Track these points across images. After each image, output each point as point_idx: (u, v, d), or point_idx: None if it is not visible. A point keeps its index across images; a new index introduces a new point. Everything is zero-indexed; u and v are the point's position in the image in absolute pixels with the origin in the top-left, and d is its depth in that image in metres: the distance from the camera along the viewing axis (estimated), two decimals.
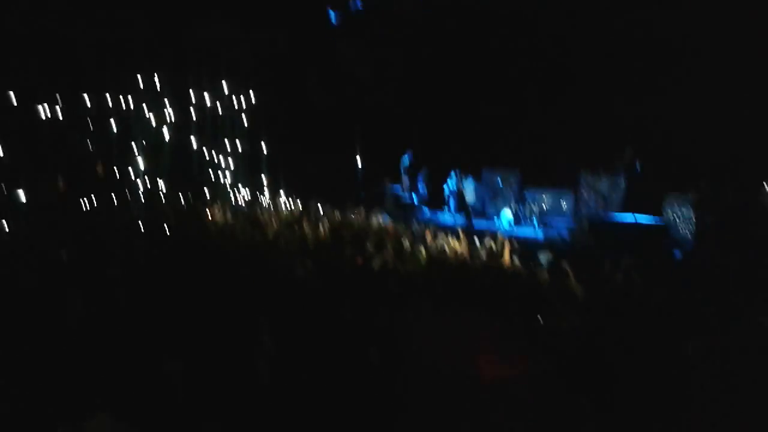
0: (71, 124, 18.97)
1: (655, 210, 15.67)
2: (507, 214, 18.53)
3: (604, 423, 4.59)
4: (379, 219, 14.17)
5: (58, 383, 4.87)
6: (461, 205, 19.15)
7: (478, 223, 17.78)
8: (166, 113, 18.49)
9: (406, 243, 9.41)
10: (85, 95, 18.39)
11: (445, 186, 20.06)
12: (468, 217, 18.05)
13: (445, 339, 4.02)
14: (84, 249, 7.80)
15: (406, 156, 20.25)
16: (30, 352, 5.07)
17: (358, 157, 20.95)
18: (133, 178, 16.91)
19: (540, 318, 5.55)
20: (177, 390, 4.80)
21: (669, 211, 15.68)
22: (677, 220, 15.45)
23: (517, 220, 18.21)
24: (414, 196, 20.22)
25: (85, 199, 14.04)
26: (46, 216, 11.40)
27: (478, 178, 19.79)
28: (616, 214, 16.48)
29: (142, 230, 9.94)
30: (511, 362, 4.49)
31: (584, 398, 4.58)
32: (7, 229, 9.68)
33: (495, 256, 8.99)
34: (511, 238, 10.27)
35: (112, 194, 14.73)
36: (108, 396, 4.76)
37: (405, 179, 20.21)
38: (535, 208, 17.74)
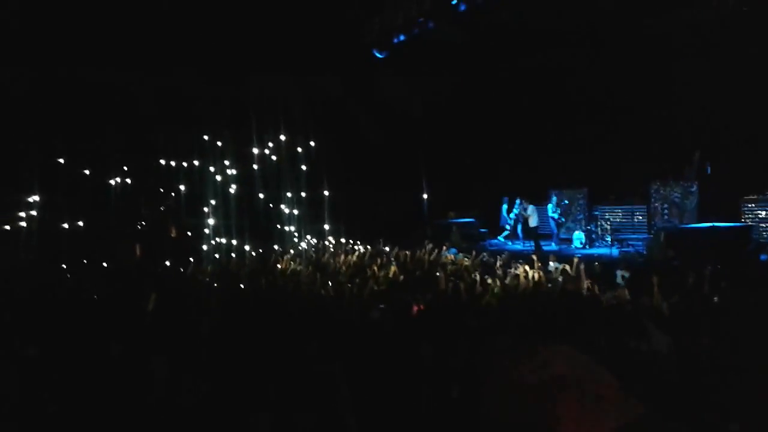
0: (141, 190, 19.82)
1: (733, 214, 15.04)
2: (579, 233, 18.13)
3: None
4: (447, 253, 14.05)
5: None
6: (529, 230, 18.81)
7: (548, 246, 17.43)
8: (229, 169, 19.03)
9: (477, 276, 9.28)
10: (153, 159, 19.23)
11: (511, 213, 19.80)
12: (536, 241, 17.71)
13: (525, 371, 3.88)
14: (163, 312, 7.98)
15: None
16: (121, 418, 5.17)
17: (422, 193, 20.99)
18: (203, 235, 17.37)
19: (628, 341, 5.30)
20: None
21: (747, 213, 15.03)
22: (756, 221, 14.80)
23: (590, 239, 17.79)
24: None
25: (160, 261, 14.49)
26: (125, 281, 11.78)
27: (544, 201, 19.46)
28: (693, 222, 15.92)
29: (216, 287, 10.14)
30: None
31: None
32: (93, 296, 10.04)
33: (571, 279, 8.75)
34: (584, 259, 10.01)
35: (186, 253, 15.14)
36: None
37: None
38: (607, 225, 17.28)
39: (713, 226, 14.24)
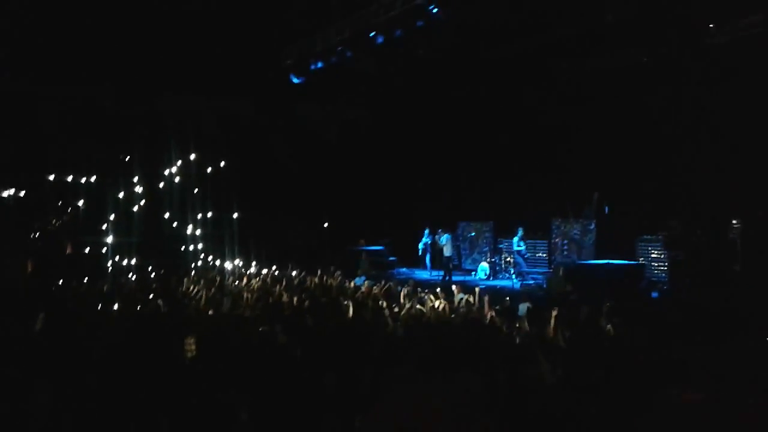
0: (38, 203, 18.80)
1: (628, 252, 15.82)
2: (484, 265, 18.57)
3: None
4: (357, 281, 14.04)
5: None
6: (438, 259, 19.12)
7: (456, 277, 17.74)
8: (135, 186, 18.40)
9: (384, 303, 9.31)
10: (50, 173, 18.33)
11: (421, 242, 20.06)
12: (447, 271, 18.00)
13: (425, 401, 3.90)
14: (55, 328, 7.54)
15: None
16: None
17: (332, 220, 20.94)
18: (103, 253, 16.64)
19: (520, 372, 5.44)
20: None
21: (641, 252, 15.83)
22: (649, 260, 15.59)
23: (494, 271, 18.25)
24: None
25: (53, 278, 13.72)
26: (14, 297, 11.07)
27: (453, 231, 19.86)
28: (590, 258, 16.63)
29: (115, 307, 9.69)
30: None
31: None
32: None
33: (474, 310, 8.92)
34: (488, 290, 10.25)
35: (82, 272, 14.43)
36: None
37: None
38: (510, 258, 17.77)
39: (608, 263, 14.92)
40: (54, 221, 19.37)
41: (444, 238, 18.52)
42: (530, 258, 18.28)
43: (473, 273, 19.15)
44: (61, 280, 13.35)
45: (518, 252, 17.57)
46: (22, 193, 17.52)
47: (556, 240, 18.42)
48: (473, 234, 20.50)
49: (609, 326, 7.44)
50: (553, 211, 18.38)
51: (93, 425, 5.09)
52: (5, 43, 15.99)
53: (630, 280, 14.35)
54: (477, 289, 9.79)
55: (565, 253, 18.04)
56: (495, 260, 18.44)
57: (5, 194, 16.77)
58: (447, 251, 18.54)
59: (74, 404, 5.25)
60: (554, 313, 7.28)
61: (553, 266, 17.19)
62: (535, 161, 17.99)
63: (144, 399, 5.39)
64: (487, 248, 19.50)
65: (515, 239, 17.55)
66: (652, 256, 15.61)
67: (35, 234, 18.94)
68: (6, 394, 5.31)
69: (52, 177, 18.38)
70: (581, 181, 17.13)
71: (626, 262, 15.26)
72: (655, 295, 13.94)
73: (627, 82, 15.35)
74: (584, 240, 17.70)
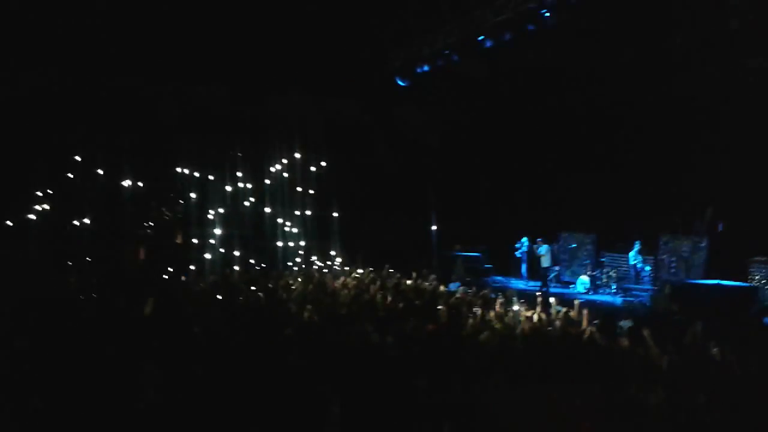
0: (152, 195, 19.94)
1: (739, 273, 14.92)
2: (584, 278, 18.04)
3: None
4: (451, 286, 13.99)
5: None
6: (535, 269, 18.78)
7: (554, 289, 17.34)
8: (241, 183, 19.12)
9: (479, 311, 9.21)
10: (167, 165, 19.38)
11: (519, 251, 19.75)
12: (544, 282, 17.63)
13: (521, 413, 3.84)
14: (160, 317, 7.96)
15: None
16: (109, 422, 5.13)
17: (431, 224, 20.96)
18: (209, 246, 17.40)
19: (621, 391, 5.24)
20: None
21: (754, 274, 14.89)
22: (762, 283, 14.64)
23: (594, 285, 17.69)
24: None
25: (163, 266, 14.51)
26: (125, 283, 11.78)
27: (554, 242, 19.43)
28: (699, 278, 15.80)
29: (217, 298, 10.11)
30: None
31: None
32: (93, 295, 10.05)
33: (572, 323, 8.66)
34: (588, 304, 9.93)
35: (189, 262, 15.16)
36: None
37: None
38: (613, 273, 17.16)
39: (719, 284, 14.13)
40: (167, 212, 20.46)
41: (543, 249, 18.14)
42: (646, 275, 17.58)
43: (572, 286, 18.64)
44: (170, 269, 14.08)
45: (634, 266, 17.07)
46: (140, 184, 18.60)
47: (663, 256, 17.58)
48: (574, 245, 19.89)
49: (716, 350, 7.03)
50: (661, 225, 17.56)
51: (195, 410, 5.33)
52: (130, 43, 17.11)
53: (741, 303, 13.51)
54: (576, 302, 9.49)
55: (673, 270, 17.19)
56: (596, 274, 17.85)
57: (125, 184, 17.86)
58: (545, 262, 18.15)
59: (180, 388, 5.52)
60: (648, 332, 6.97)
61: (659, 284, 16.44)
62: (644, 172, 17.24)
63: (242, 387, 5.59)
64: (588, 261, 18.90)
65: (632, 253, 16.99)
66: (766, 279, 14.65)
67: (149, 223, 20.09)
68: (117, 374, 5.67)
69: (167, 170, 19.39)
70: (694, 195, 16.31)
71: (738, 284, 14.38)
72: (767, 321, 13.08)
73: (751, 89, 14.46)
74: (694, 258, 16.80)
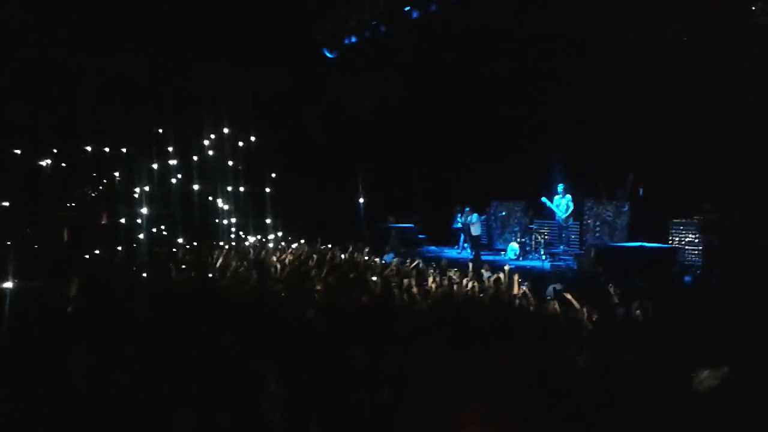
0: (73, 173, 19.16)
1: (661, 235, 15.56)
2: (514, 245, 18.46)
3: None
4: (385, 258, 14.08)
5: None
6: (468, 239, 19.12)
7: (485, 257, 17.68)
8: (169, 159, 18.61)
9: (412, 281, 9.31)
10: (87, 143, 18.64)
11: (456, 222, 20.00)
12: (477, 251, 17.96)
13: (452, 379, 3.93)
14: (88, 297, 7.71)
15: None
16: (35, 407, 4.97)
17: (362, 196, 20.95)
18: (136, 224, 16.91)
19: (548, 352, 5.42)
20: None
21: (675, 235, 15.56)
22: (683, 244, 15.32)
23: (524, 251, 18.12)
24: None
25: (89, 247, 14.01)
26: (50, 265, 11.35)
27: (484, 212, 19.76)
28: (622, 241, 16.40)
29: (146, 276, 9.87)
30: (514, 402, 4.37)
31: None
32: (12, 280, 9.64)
33: (503, 289, 8.87)
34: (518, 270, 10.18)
35: (116, 242, 14.71)
36: None
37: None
38: (542, 239, 17.62)
39: (641, 246, 14.70)
40: (90, 191, 19.75)
41: (473, 217, 18.49)
42: (551, 239, 18.21)
43: (503, 253, 19.06)
44: (96, 250, 13.63)
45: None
46: (59, 163, 17.85)
47: (588, 221, 18.19)
48: (504, 213, 20.34)
49: (639, 310, 7.36)
50: (585, 192, 18.12)
51: (125, 389, 5.22)
52: (45, 14, 16.24)
53: (663, 263, 14.08)
54: (506, 268, 9.72)
55: (597, 234, 17.81)
56: (525, 240, 18.30)
57: (43, 163, 17.09)
58: (475, 230, 18.53)
59: (108, 369, 5.38)
60: (569, 295, 7.24)
61: (584, 248, 17.01)
62: (568, 141, 17.70)
63: (175, 366, 5.50)
64: (517, 228, 19.34)
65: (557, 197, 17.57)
66: (687, 239, 15.34)
67: (71, 203, 19.35)
68: (44, 357, 5.48)
69: (89, 148, 18.67)
70: (615, 161, 16.85)
71: (659, 245, 15.01)
72: (688, 279, 13.71)
73: (663, 60, 14.97)
74: (617, 222, 17.43)
